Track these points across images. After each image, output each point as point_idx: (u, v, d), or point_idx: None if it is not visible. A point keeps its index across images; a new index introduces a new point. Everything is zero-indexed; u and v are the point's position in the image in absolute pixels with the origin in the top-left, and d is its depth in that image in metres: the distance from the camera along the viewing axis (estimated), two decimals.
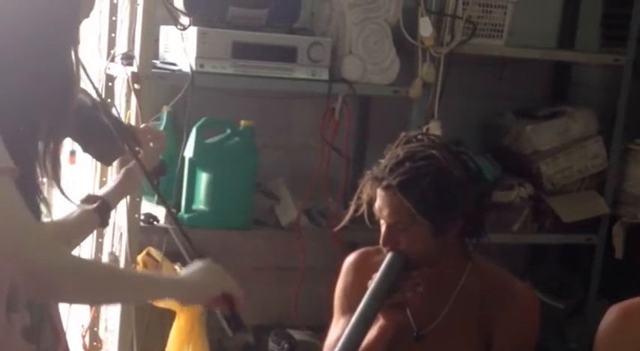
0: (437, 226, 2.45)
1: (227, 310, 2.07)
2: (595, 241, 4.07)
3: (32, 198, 1.69)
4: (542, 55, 3.99)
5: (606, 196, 4.05)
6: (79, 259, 1.77)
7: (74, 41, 1.71)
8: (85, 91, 2.05)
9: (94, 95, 2.14)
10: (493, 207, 3.66)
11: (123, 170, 2.24)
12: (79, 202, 2.17)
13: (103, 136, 2.08)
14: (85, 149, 2.19)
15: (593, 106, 4.13)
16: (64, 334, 1.86)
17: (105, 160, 2.24)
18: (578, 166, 4.02)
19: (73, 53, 1.70)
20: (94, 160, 2.54)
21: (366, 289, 2.47)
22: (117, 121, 2.25)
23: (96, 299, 1.86)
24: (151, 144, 2.28)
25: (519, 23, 3.91)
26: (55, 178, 1.73)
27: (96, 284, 1.71)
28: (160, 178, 2.38)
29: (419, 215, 2.43)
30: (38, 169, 1.70)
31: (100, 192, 2.28)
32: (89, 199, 2.21)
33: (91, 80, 2.10)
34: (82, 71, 1.78)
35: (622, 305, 2.37)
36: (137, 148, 2.23)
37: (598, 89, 4.34)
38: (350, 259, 2.71)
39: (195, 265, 1.98)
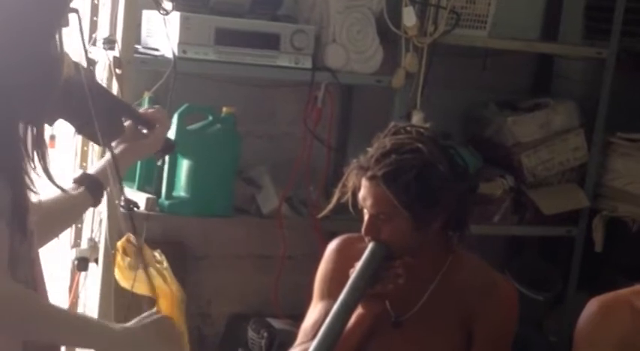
0: (419, 219, 2.45)
1: None
2: (575, 233, 4.08)
3: (19, 183, 1.67)
4: (525, 46, 3.99)
5: (587, 189, 4.06)
6: None
7: (62, 24, 1.69)
8: (83, 70, 2.00)
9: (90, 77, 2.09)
10: (476, 201, 3.66)
11: (121, 147, 2.19)
12: (71, 182, 2.14)
13: (100, 117, 2.02)
14: (80, 131, 2.14)
15: (575, 98, 4.14)
16: None
17: (101, 141, 2.17)
18: (560, 158, 4.02)
19: (57, 36, 1.68)
20: (91, 142, 2.47)
21: (347, 275, 2.47)
22: (121, 101, 2.20)
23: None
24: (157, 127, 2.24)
25: (503, 14, 3.91)
26: (43, 163, 1.71)
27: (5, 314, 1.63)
28: (167, 155, 2.34)
29: (401, 208, 2.43)
30: (25, 156, 1.68)
31: (93, 169, 2.21)
32: (82, 178, 2.17)
33: (87, 60, 2.05)
34: (84, 51, 1.74)
35: (602, 298, 2.37)
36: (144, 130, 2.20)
37: (580, 82, 4.34)
38: (333, 244, 2.70)
39: (145, 320, 1.86)
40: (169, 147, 2.33)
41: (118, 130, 2.17)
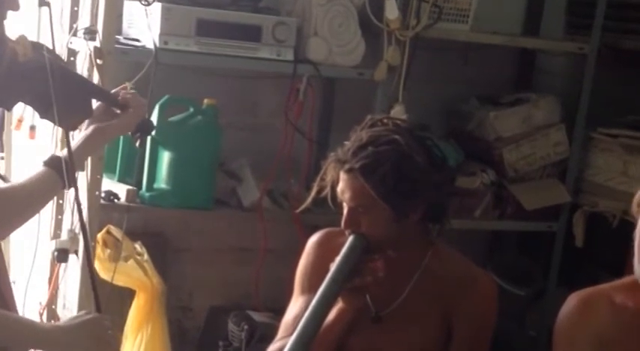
0: (397, 210, 2.45)
1: None
2: (556, 228, 4.08)
3: None
4: (507, 41, 3.99)
5: (568, 185, 4.06)
6: None
7: (8, 7, 1.65)
8: (47, 52, 1.96)
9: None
10: (456, 193, 3.67)
11: (90, 128, 2.16)
12: (41, 165, 2.11)
13: (64, 101, 1.98)
14: (43, 115, 2.10)
15: (557, 93, 4.14)
16: (14, 305, 1.82)
17: (66, 125, 2.12)
18: (541, 153, 4.03)
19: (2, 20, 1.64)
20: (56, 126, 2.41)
21: (327, 269, 2.47)
22: (88, 82, 2.17)
23: None
24: (130, 110, 2.22)
25: (485, 9, 3.91)
26: None
27: None
28: (144, 137, 2.31)
29: (379, 200, 2.42)
30: None
31: (63, 152, 2.18)
32: (51, 160, 2.14)
33: (54, 45, 2.02)
34: (51, 37, 1.71)
35: (582, 293, 2.38)
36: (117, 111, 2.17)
37: (562, 77, 4.35)
38: (314, 238, 2.70)
39: (78, 319, 1.84)
40: (147, 128, 2.30)
41: (85, 112, 2.13)
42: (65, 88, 1.97)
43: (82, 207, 3.21)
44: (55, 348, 1.78)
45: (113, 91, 2.23)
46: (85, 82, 2.20)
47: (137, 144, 2.30)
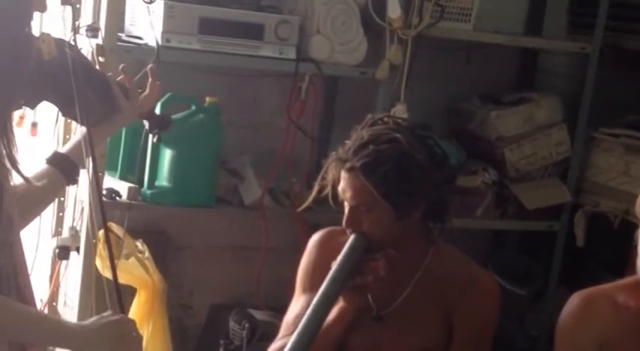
0: (398, 209, 2.44)
1: None
2: (557, 228, 4.08)
3: None
4: (509, 40, 3.98)
5: (569, 184, 4.06)
6: None
7: (35, 8, 1.65)
8: (72, 50, 1.95)
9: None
10: (457, 192, 3.66)
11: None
12: (44, 162, 2.10)
13: (86, 98, 1.96)
14: (65, 113, 2.08)
15: (559, 93, 4.14)
16: (34, 303, 1.82)
17: (88, 122, 2.08)
18: (543, 153, 4.03)
19: (29, 21, 1.64)
20: (77, 124, 2.38)
21: (329, 268, 2.47)
22: (103, 74, 2.15)
23: None
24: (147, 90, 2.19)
25: (487, 8, 3.90)
26: (8, 150, 1.68)
27: None
28: (163, 132, 2.29)
29: (380, 198, 2.42)
30: None
31: (67, 147, 2.16)
32: (55, 157, 2.12)
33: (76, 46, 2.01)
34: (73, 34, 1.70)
35: (584, 293, 2.38)
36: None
37: (564, 77, 4.34)
38: (315, 237, 2.70)
39: (103, 319, 1.83)
40: (164, 123, 2.28)
41: (110, 109, 2.11)
42: (88, 86, 1.96)
43: (83, 205, 3.23)
44: (81, 346, 1.79)
45: (118, 78, 2.20)
46: (107, 78, 2.16)
47: (155, 139, 2.28)
